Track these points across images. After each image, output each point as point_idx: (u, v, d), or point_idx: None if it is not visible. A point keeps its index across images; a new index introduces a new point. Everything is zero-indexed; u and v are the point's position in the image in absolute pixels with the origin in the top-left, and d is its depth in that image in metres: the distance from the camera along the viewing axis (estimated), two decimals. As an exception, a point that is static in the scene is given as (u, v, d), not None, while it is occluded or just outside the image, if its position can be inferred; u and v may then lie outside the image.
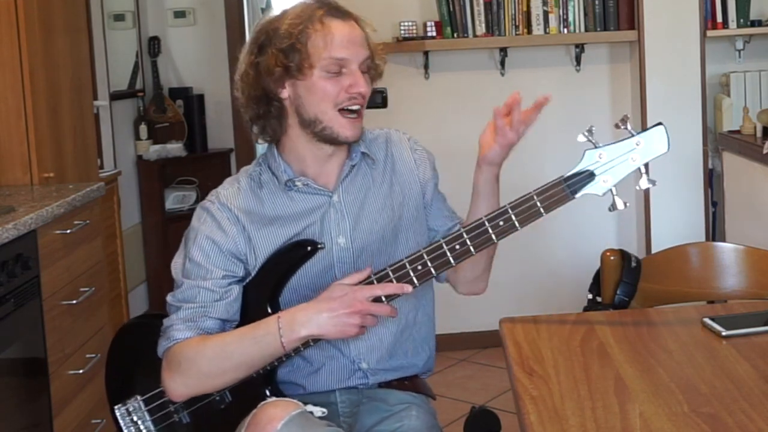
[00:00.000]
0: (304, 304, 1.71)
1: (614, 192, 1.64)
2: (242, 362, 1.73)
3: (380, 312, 1.69)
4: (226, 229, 1.80)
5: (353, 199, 1.86)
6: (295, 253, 1.79)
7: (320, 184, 1.85)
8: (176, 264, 1.85)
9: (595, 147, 1.63)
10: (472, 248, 1.69)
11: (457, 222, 1.93)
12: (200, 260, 1.80)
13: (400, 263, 1.70)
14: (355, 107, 1.79)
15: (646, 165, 1.64)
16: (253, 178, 1.87)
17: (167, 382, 1.78)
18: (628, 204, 1.64)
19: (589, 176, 1.64)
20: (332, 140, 1.81)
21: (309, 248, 1.78)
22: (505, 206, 1.67)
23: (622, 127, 1.63)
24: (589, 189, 1.64)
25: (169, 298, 1.83)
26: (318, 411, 1.68)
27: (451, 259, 1.69)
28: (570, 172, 1.65)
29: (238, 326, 1.78)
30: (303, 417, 1.61)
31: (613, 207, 1.64)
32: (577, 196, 1.65)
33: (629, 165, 1.63)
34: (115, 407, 1.89)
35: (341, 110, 1.78)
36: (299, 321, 1.68)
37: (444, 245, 1.69)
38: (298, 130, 1.82)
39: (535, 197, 1.66)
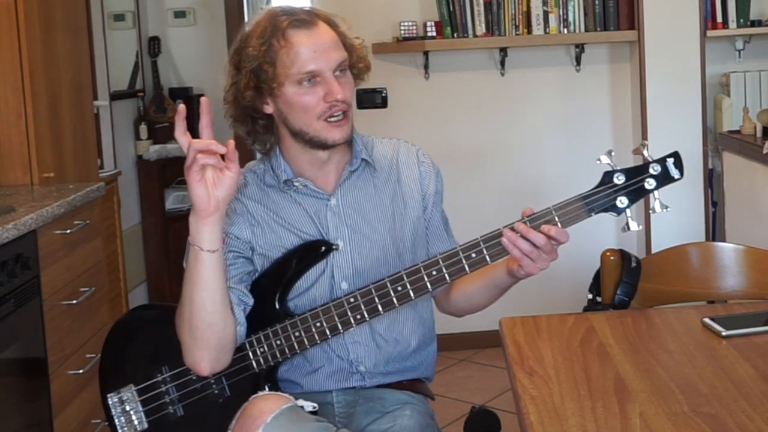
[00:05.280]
0: None
1: (629, 213, 1.70)
2: (195, 286, 1.68)
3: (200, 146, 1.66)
4: (231, 217, 1.81)
5: (351, 204, 1.85)
6: (309, 253, 1.80)
7: (319, 186, 1.85)
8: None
9: (613, 169, 1.69)
10: (488, 257, 1.71)
11: (456, 247, 1.76)
12: None
13: (415, 267, 1.72)
14: (337, 114, 1.77)
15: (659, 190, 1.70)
16: (258, 174, 1.88)
17: (184, 359, 1.76)
18: (641, 226, 1.69)
19: (606, 196, 1.69)
20: (322, 146, 1.80)
21: (323, 248, 1.80)
22: (523, 219, 1.69)
23: (641, 152, 1.69)
24: (605, 208, 1.70)
25: None
26: (309, 406, 1.68)
27: (466, 266, 1.71)
28: (588, 191, 1.70)
29: (249, 326, 1.78)
30: (293, 411, 1.61)
31: (626, 228, 1.71)
32: (594, 214, 1.70)
33: (645, 188, 1.69)
34: (108, 395, 1.88)
35: (325, 120, 1.77)
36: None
37: (460, 252, 1.71)
38: (291, 139, 1.83)
39: (553, 212, 1.69)
